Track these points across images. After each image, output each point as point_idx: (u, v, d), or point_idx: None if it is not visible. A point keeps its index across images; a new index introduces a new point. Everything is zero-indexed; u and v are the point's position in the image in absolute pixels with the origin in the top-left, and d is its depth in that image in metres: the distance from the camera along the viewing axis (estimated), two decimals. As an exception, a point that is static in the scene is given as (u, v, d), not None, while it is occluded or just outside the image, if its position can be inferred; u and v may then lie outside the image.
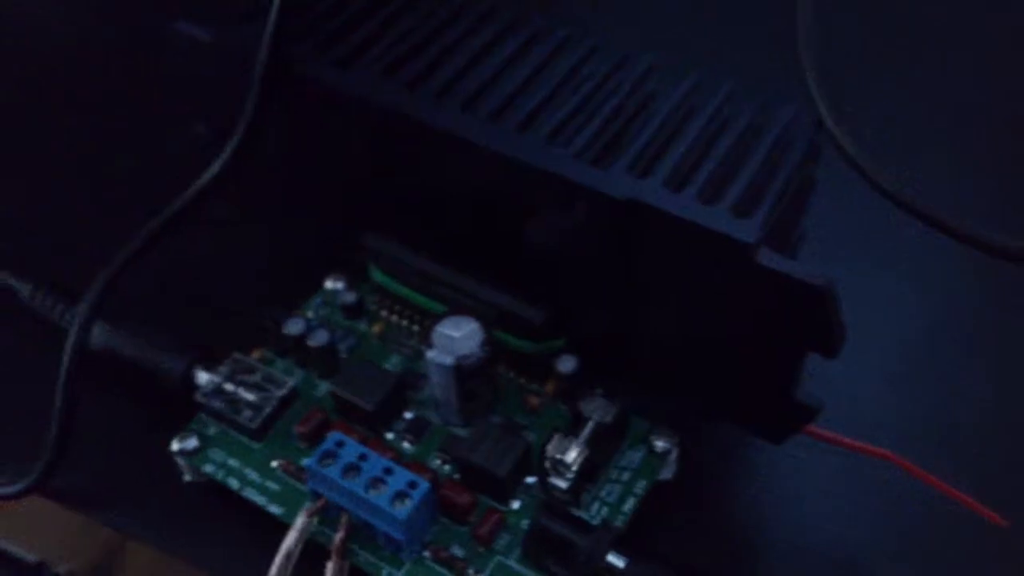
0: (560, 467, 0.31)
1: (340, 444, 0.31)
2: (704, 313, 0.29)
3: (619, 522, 0.31)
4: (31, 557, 0.47)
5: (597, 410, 0.32)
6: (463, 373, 0.32)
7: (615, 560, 0.29)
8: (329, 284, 0.38)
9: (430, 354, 0.32)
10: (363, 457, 0.30)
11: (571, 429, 0.32)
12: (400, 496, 0.30)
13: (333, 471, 0.30)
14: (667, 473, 0.33)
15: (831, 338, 0.27)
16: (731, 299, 0.28)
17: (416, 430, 0.33)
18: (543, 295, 0.33)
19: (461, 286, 0.33)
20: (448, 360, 0.31)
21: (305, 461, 0.31)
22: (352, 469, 0.30)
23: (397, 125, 0.31)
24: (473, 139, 0.30)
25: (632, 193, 0.28)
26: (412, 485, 0.30)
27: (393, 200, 0.35)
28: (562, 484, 0.31)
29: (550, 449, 0.31)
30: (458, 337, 0.32)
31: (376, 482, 0.30)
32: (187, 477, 0.34)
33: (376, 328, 0.36)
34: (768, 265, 0.26)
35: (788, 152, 0.29)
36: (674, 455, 0.33)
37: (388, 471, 0.30)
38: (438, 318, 0.33)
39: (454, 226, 0.33)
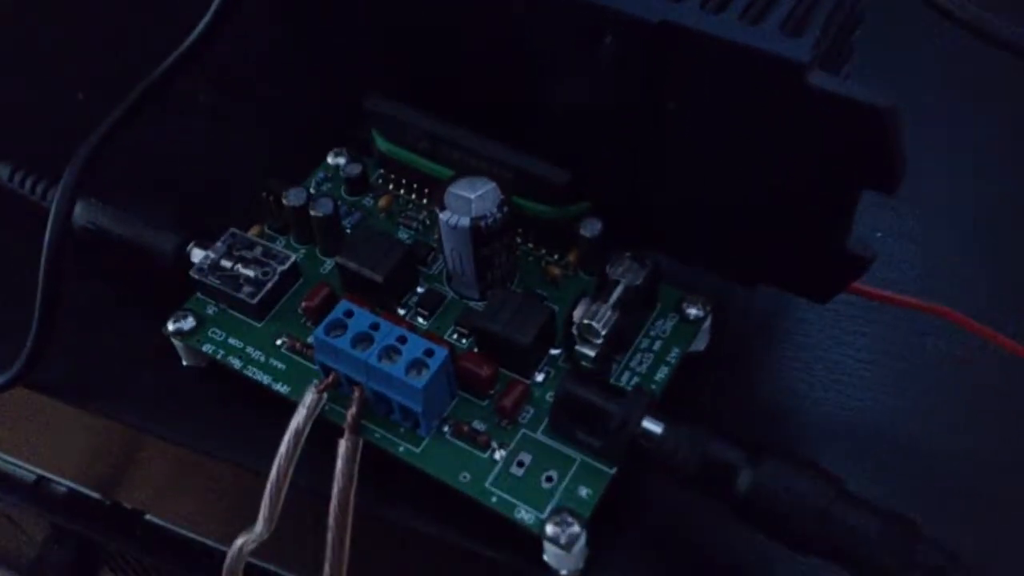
0: (588, 333, 0.28)
1: (349, 314, 0.28)
2: (744, 155, 0.26)
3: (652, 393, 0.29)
4: (29, 475, 0.45)
5: (626, 273, 0.29)
6: (480, 236, 0.29)
7: (651, 425, 0.27)
8: (331, 159, 0.35)
9: (444, 216, 0.29)
10: (375, 326, 0.28)
11: (598, 295, 0.29)
12: (417, 365, 0.27)
13: (343, 341, 0.28)
14: (700, 344, 0.31)
15: (892, 168, 0.24)
16: (777, 133, 0.25)
17: (430, 305, 0.31)
18: (565, 154, 0.30)
19: (474, 148, 0.31)
20: (464, 221, 0.29)
21: (313, 333, 0.29)
22: (363, 339, 0.28)
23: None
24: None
25: (665, 15, 0.25)
26: (429, 353, 0.27)
27: (395, 56, 0.32)
28: (590, 352, 0.28)
29: (577, 314, 0.28)
30: (474, 198, 0.29)
31: (390, 351, 0.28)
32: (185, 361, 0.32)
33: (383, 202, 0.34)
34: (823, 86, 0.23)
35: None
36: (707, 323, 0.30)
37: (402, 340, 0.28)
38: (451, 180, 0.30)
39: (464, 80, 0.30)
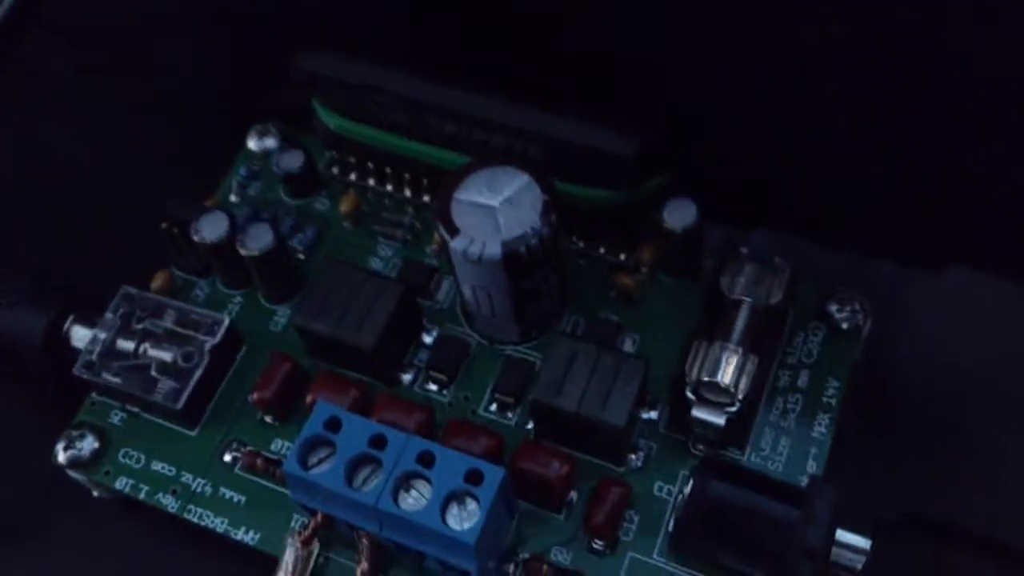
0: (715, 394, 0.18)
1: (334, 424, 0.18)
2: (963, 82, 0.16)
3: (813, 462, 0.19)
4: None
5: (753, 286, 0.19)
6: (518, 265, 0.18)
7: (853, 539, 0.17)
8: (253, 142, 0.24)
9: (457, 244, 0.18)
10: (379, 440, 0.18)
11: (713, 328, 0.19)
12: (457, 499, 0.17)
13: (330, 474, 0.17)
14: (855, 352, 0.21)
15: None
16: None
17: (447, 362, 0.20)
18: (627, 108, 0.19)
19: (484, 114, 0.19)
20: (492, 250, 0.18)
21: (283, 466, 0.18)
22: (363, 463, 0.18)
23: None
24: None
25: None
26: (475, 476, 0.17)
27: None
28: (719, 420, 0.18)
29: (692, 367, 0.18)
30: (499, 205, 0.18)
31: (411, 481, 0.17)
32: (96, 492, 0.21)
33: (345, 205, 0.22)
34: None
35: None
36: (867, 328, 0.20)
37: (427, 458, 0.17)
38: (454, 175, 0.19)
39: (458, 8, 0.19)
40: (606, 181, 0.20)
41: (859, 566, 0.17)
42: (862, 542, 0.17)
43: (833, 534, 0.17)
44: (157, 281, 0.22)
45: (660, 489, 0.19)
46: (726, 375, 0.18)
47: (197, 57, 0.25)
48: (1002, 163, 0.17)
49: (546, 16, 0.18)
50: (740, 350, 0.18)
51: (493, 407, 0.20)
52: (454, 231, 0.18)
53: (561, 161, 0.19)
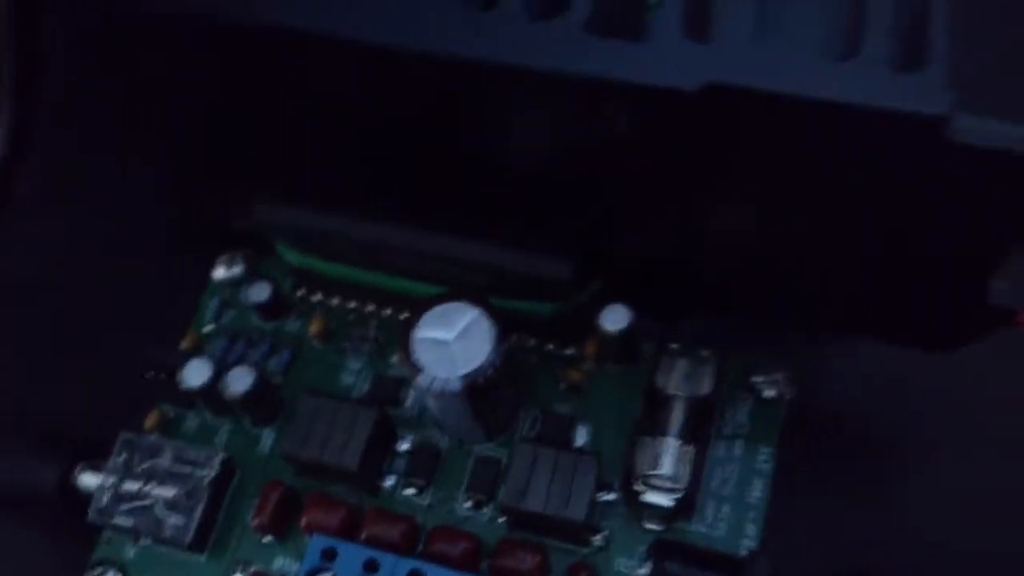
0: (662, 482, 0.21)
1: (331, 554, 0.20)
2: (842, 208, 0.18)
3: (752, 525, 0.22)
4: None
5: (686, 380, 0.21)
6: (478, 393, 0.21)
7: (786, 607, 0.20)
8: (221, 272, 0.26)
9: (421, 381, 0.20)
10: (372, 565, 0.20)
11: (653, 421, 0.21)
12: (446, 608, 0.20)
13: (335, 599, 0.20)
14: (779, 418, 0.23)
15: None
16: (893, 189, 0.17)
17: (423, 467, 0.23)
18: (556, 226, 0.21)
19: (433, 250, 0.22)
20: (453, 385, 0.20)
21: (289, 596, 0.20)
22: (362, 585, 0.20)
23: (252, 41, 0.18)
24: (378, 40, 0.17)
25: (710, 75, 0.16)
26: (460, 588, 0.20)
27: (287, 139, 0.22)
28: (666, 503, 0.21)
29: (638, 463, 0.21)
30: (453, 340, 0.21)
31: (405, 596, 0.20)
32: (120, 619, 0.24)
33: (314, 328, 0.25)
34: (971, 141, 0.15)
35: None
36: (789, 395, 0.23)
37: (417, 576, 0.20)
38: (411, 313, 0.21)
39: (393, 158, 0.21)
40: (546, 297, 0.22)
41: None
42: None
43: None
44: (150, 421, 0.24)
45: (622, 566, 0.22)
46: (668, 467, 0.21)
47: (157, 191, 0.27)
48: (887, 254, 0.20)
49: (478, 152, 0.20)
50: (679, 442, 0.21)
51: (468, 504, 0.23)
52: (416, 370, 0.20)
53: (503, 284, 0.22)
